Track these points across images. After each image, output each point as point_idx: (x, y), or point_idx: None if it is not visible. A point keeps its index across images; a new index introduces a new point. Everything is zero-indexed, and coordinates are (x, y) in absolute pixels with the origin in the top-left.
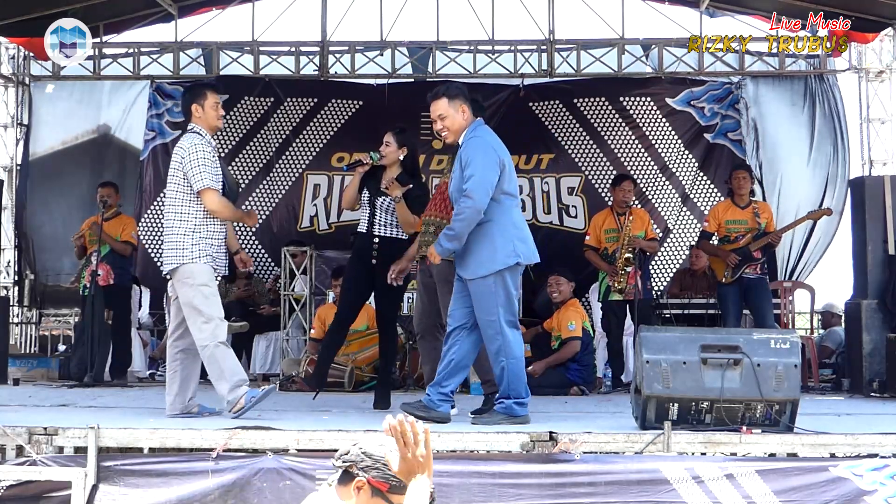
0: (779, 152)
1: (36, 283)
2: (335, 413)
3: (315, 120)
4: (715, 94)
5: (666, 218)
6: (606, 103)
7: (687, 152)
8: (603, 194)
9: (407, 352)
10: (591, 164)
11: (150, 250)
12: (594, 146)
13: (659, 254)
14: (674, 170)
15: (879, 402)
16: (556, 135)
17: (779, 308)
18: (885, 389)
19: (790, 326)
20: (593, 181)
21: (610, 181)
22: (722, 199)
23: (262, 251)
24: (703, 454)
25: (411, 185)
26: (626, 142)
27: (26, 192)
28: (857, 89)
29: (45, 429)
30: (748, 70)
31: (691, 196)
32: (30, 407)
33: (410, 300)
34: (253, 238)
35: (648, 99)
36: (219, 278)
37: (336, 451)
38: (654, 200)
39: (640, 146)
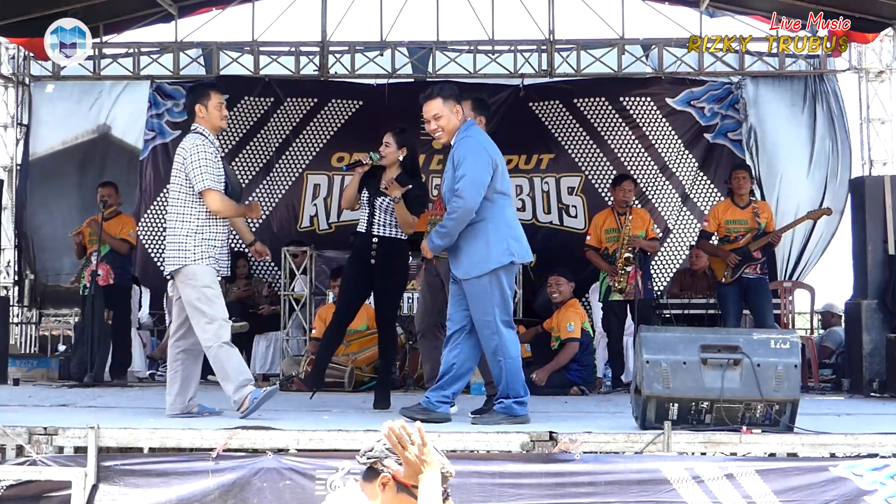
0: (779, 152)
1: (36, 283)
2: (335, 413)
3: (315, 120)
4: (715, 94)
5: (666, 218)
6: (606, 103)
7: (687, 152)
8: (603, 194)
9: (407, 352)
10: (591, 164)
11: (150, 250)
12: (594, 146)
13: (659, 254)
14: (674, 170)
15: (879, 402)
16: (556, 135)
17: (779, 308)
18: (885, 389)
19: (790, 326)
20: (593, 181)
21: (610, 181)
22: (722, 199)
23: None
24: (703, 454)
25: (411, 186)
26: (626, 142)
27: (26, 192)
28: (857, 89)
29: (45, 429)
30: (748, 70)
31: (691, 196)
32: (30, 407)
33: (410, 300)
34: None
35: (648, 99)
36: (219, 278)
37: (335, 451)
38: (654, 200)
39: (640, 146)
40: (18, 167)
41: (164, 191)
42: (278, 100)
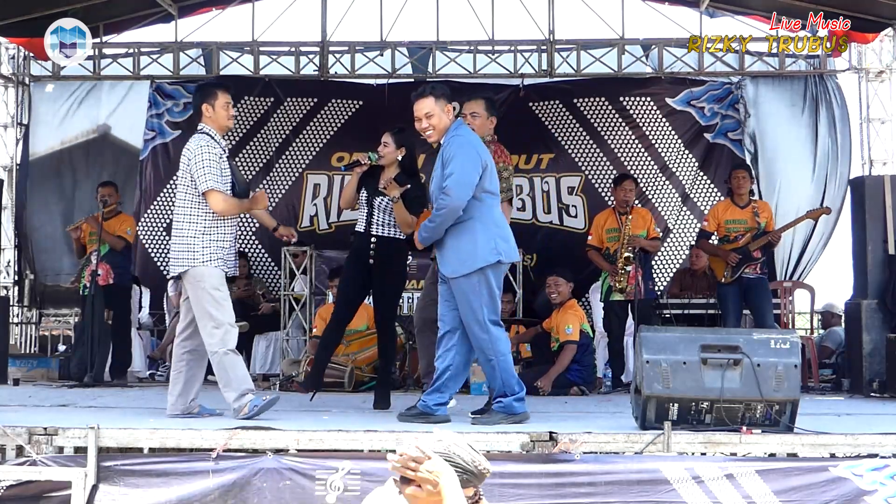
0: (779, 152)
1: (36, 283)
2: (335, 413)
3: (315, 120)
4: (715, 94)
5: (666, 218)
6: (606, 103)
7: (687, 152)
8: (603, 194)
9: (407, 352)
10: (591, 164)
11: (150, 250)
12: (594, 146)
13: (659, 254)
14: (674, 170)
15: (879, 402)
16: (556, 135)
17: (779, 308)
18: (885, 389)
19: (790, 326)
20: (593, 181)
21: (610, 181)
22: (722, 198)
23: (262, 251)
24: (703, 454)
25: (409, 185)
26: (626, 142)
27: (26, 191)
28: (857, 89)
29: (45, 429)
30: (748, 70)
31: (691, 196)
32: (30, 407)
33: (410, 300)
34: (253, 238)
35: (648, 99)
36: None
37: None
38: (654, 200)
39: (640, 146)
40: (18, 167)
41: (164, 191)
42: (278, 100)
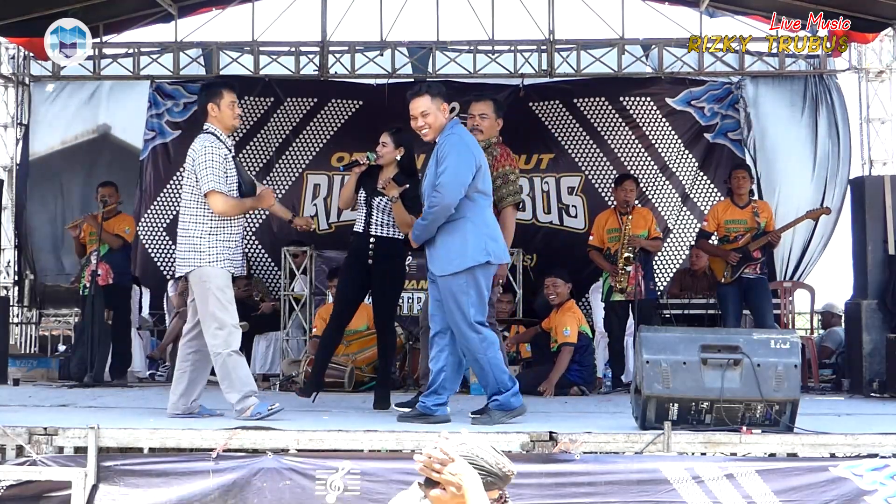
0: (779, 152)
1: (36, 283)
2: (335, 413)
3: (315, 120)
4: (715, 94)
5: (666, 218)
6: (606, 103)
7: (687, 152)
8: (603, 194)
9: (407, 352)
10: (591, 164)
11: (150, 250)
12: (594, 146)
13: (659, 254)
14: (674, 170)
15: (879, 402)
16: (556, 135)
17: (779, 308)
18: (885, 389)
19: (790, 326)
20: (593, 181)
21: (610, 181)
22: (722, 198)
23: (262, 251)
24: (703, 454)
25: (408, 185)
26: (626, 142)
27: (26, 192)
28: (857, 89)
29: (45, 429)
30: (748, 70)
31: (691, 196)
32: (30, 407)
33: (410, 300)
34: (253, 238)
35: (648, 99)
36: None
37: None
38: (654, 200)
39: (640, 146)
40: (18, 167)
41: (164, 191)
42: (278, 100)
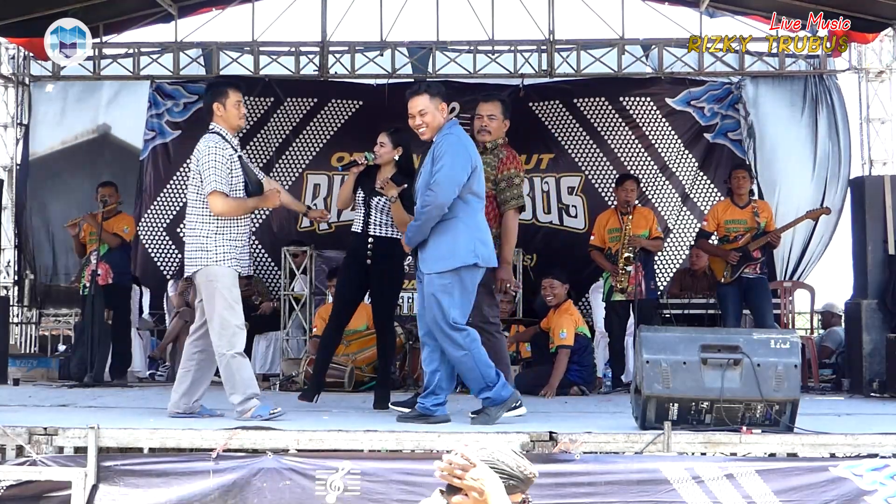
0: (779, 152)
1: (36, 283)
2: (335, 413)
3: (315, 120)
4: (715, 94)
5: (666, 218)
6: (606, 103)
7: (687, 152)
8: (603, 194)
9: (407, 351)
10: (591, 164)
11: (150, 250)
12: (594, 146)
13: (659, 254)
14: (674, 170)
15: (879, 402)
16: (556, 135)
17: (779, 308)
18: (885, 389)
19: (790, 326)
20: (593, 181)
21: (610, 181)
22: (722, 198)
23: (262, 251)
24: (703, 454)
25: (406, 185)
26: (626, 142)
27: (26, 191)
28: (857, 89)
29: (45, 429)
30: (748, 70)
31: (691, 196)
32: (30, 407)
33: (410, 300)
34: (253, 238)
35: (648, 99)
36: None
37: (335, 451)
38: (654, 200)
39: (640, 146)
40: (18, 167)
41: (164, 191)
42: (278, 100)
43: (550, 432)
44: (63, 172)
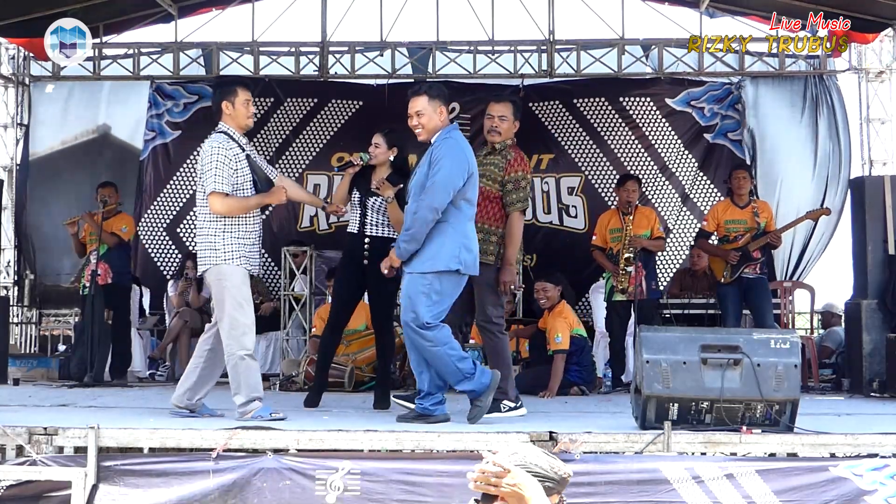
0: (779, 153)
1: (36, 283)
2: (335, 413)
3: (315, 120)
4: (715, 94)
5: (666, 218)
6: (606, 103)
7: (687, 152)
8: (603, 194)
9: (406, 351)
10: (591, 164)
11: (150, 250)
12: (594, 146)
13: (659, 254)
14: (674, 170)
15: (879, 402)
16: (556, 135)
17: (779, 308)
18: (885, 389)
19: (790, 326)
20: (593, 181)
21: (610, 181)
22: (722, 198)
23: (262, 251)
24: (703, 454)
25: (402, 185)
26: (626, 142)
27: (26, 192)
28: (857, 89)
29: (45, 429)
30: (748, 70)
31: (691, 196)
32: (30, 407)
33: None
34: None
35: (648, 99)
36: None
37: (335, 451)
38: (654, 200)
39: (640, 146)
40: (18, 167)
41: (164, 191)
42: (278, 100)
43: (550, 432)
44: (63, 172)
